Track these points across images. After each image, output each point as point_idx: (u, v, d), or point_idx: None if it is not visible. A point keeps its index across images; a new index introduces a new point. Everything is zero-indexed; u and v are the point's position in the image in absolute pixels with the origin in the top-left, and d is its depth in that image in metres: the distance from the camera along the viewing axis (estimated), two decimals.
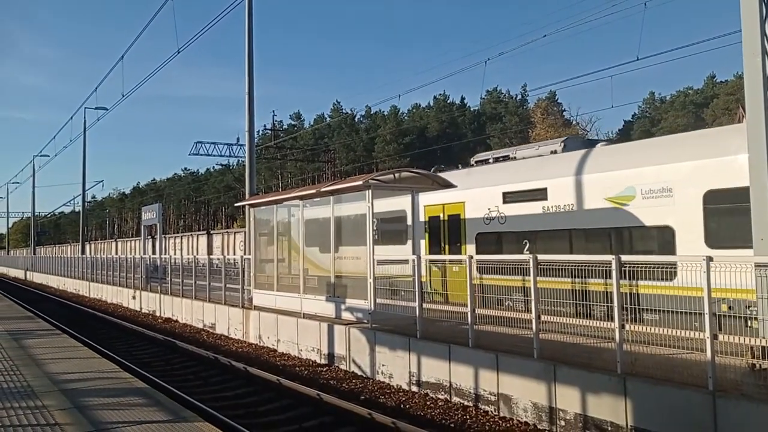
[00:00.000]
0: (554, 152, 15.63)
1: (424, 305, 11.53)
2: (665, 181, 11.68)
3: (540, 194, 14.04)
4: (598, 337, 9.32)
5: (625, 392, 7.76)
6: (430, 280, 14.51)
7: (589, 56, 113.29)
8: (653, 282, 8.11)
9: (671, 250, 11.30)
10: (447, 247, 16.00)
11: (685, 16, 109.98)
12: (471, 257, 10.54)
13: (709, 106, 65.18)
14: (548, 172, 14.43)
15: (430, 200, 13.62)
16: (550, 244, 13.79)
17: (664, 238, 11.84)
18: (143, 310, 25.93)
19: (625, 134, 69.24)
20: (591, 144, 16.47)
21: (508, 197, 14.30)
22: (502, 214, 13.95)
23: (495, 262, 11.06)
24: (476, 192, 15.25)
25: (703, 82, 74.65)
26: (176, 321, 22.20)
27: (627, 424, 7.71)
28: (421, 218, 14.16)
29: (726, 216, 10.89)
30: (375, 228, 12.94)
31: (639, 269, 8.37)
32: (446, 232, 14.99)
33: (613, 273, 8.14)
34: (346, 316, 13.69)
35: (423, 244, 15.72)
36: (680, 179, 11.53)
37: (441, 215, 14.33)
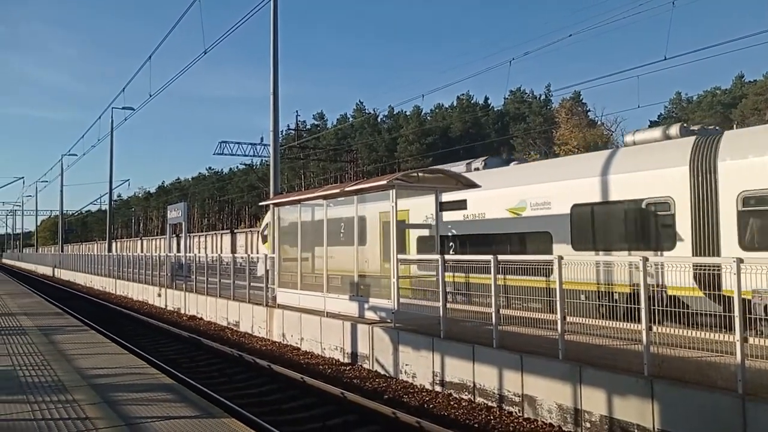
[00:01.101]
0: (477, 169, 18.07)
1: (448, 305, 11.52)
2: (546, 196, 14.50)
3: (462, 204, 15.98)
4: (622, 339, 9.26)
5: (652, 394, 7.68)
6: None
7: (615, 56, 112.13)
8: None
9: (549, 251, 13.64)
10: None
11: (713, 14, 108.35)
12: (495, 257, 10.50)
13: (737, 106, 64.02)
14: None
15: (384, 208, 14.59)
16: (468, 245, 15.93)
17: (544, 242, 14.32)
18: (168, 308, 26.24)
19: None
20: (507, 163, 19.22)
21: (441, 206, 15.47)
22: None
23: (518, 263, 11.04)
24: (416, 201, 16.32)
25: (732, 82, 73.38)
26: (201, 318, 22.44)
27: (654, 427, 7.63)
28: (377, 224, 15.57)
29: (585, 224, 13.79)
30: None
31: None
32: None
33: (640, 274, 8.06)
34: (370, 315, 13.73)
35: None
36: (556, 195, 14.36)
37: (365, 222, 15.49)
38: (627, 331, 9.00)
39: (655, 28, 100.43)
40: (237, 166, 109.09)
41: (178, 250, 33.38)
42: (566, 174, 14.72)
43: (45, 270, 65.85)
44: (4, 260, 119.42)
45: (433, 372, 11.17)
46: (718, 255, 11.38)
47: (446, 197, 15.39)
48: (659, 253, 12.43)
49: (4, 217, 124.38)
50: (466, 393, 10.42)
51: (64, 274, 53.91)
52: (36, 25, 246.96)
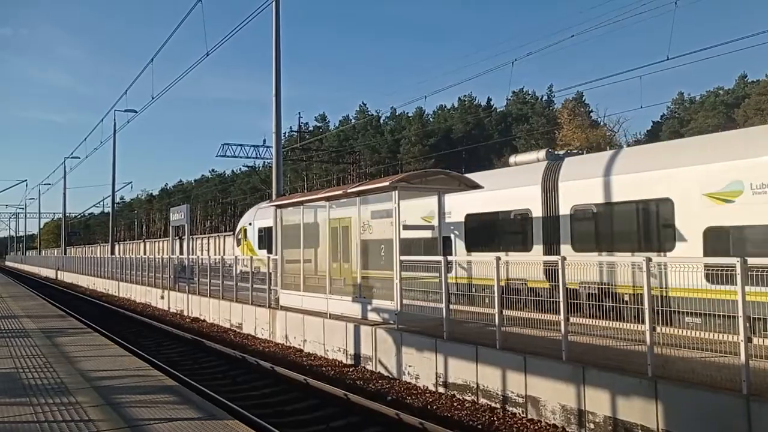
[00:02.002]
0: None
1: (451, 306, 11.50)
2: (449, 207, 16.47)
3: (387, 213, 16.32)
4: (626, 339, 9.25)
5: (656, 395, 7.65)
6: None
7: (617, 56, 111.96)
8: None
9: (450, 252, 15.88)
10: (342, 253, 16.85)
11: (716, 14, 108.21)
12: (498, 258, 10.49)
13: (740, 106, 63.92)
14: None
15: (336, 215, 16.09)
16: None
17: (447, 244, 16.09)
18: (171, 310, 26.25)
19: (654, 135, 68.32)
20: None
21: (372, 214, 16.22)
22: (370, 227, 15.92)
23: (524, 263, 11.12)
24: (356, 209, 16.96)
25: (735, 82, 73.30)
26: (204, 320, 22.44)
27: (658, 428, 7.60)
28: (326, 230, 16.27)
29: (477, 229, 16.68)
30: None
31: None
32: (341, 241, 16.86)
33: (644, 275, 8.05)
34: (372, 316, 13.72)
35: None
36: (455, 205, 16.94)
37: (338, 227, 16.39)
38: (629, 332, 9.01)
39: (657, 28, 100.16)
40: (239, 168, 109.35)
41: (181, 253, 33.40)
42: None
43: (48, 272, 65.92)
44: (7, 263, 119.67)
45: (437, 373, 11.16)
46: (559, 254, 13.22)
47: (373, 207, 15.79)
48: (526, 253, 15.73)
49: (8, 220, 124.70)
50: (470, 394, 10.40)
51: (67, 277, 53.97)
52: (40, 28, 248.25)
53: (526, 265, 12.59)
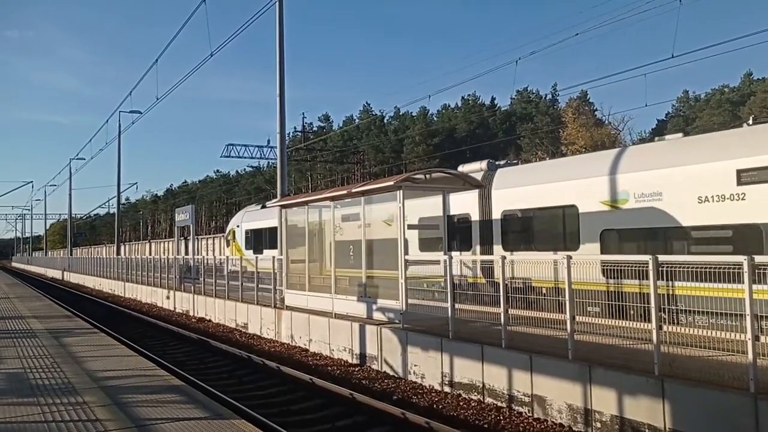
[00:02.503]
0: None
1: (456, 305, 11.50)
2: (410, 210, 15.81)
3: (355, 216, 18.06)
4: (632, 338, 9.24)
5: (663, 394, 7.63)
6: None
7: (622, 54, 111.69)
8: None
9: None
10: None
11: (721, 11, 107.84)
12: (503, 258, 10.48)
13: (745, 104, 63.74)
14: None
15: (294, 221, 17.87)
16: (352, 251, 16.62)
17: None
18: (177, 310, 26.31)
19: (659, 133, 67.95)
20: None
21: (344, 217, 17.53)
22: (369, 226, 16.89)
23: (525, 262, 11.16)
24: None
25: (740, 80, 73.10)
26: (209, 320, 22.48)
27: (665, 427, 7.59)
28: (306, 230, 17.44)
29: (425, 234, 17.05)
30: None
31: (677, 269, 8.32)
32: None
33: (651, 273, 8.03)
34: (378, 316, 13.72)
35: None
36: (414, 209, 16.29)
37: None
38: (636, 331, 9.00)
39: (662, 26, 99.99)
40: (244, 169, 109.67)
41: (186, 253, 33.47)
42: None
43: (54, 273, 66.17)
44: (13, 264, 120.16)
45: (442, 372, 11.16)
46: (492, 254, 15.86)
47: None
48: (470, 253, 17.18)
49: (14, 221, 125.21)
50: (476, 393, 10.39)
51: (74, 278, 54.16)
52: (45, 29, 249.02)
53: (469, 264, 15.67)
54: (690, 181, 12.24)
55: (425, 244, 17.41)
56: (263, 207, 33.57)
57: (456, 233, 17.40)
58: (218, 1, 29.12)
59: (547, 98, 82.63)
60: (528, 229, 16.02)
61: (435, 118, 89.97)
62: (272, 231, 28.30)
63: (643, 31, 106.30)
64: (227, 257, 25.74)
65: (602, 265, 10.11)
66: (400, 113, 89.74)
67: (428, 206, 14.96)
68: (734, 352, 7.43)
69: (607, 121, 63.88)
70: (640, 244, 13.21)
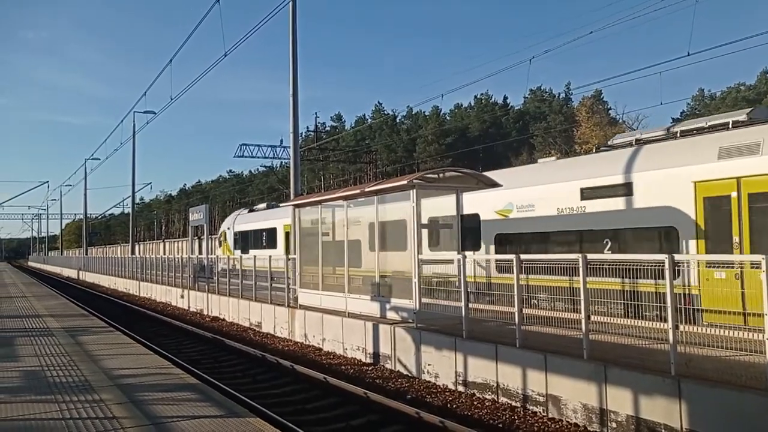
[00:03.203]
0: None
1: (470, 305, 11.48)
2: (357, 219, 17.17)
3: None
4: (648, 338, 9.17)
5: (679, 394, 7.57)
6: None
7: (637, 53, 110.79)
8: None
9: (359, 253, 16.30)
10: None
11: (737, 9, 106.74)
12: (518, 257, 10.44)
13: (762, 102, 63.06)
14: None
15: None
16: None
17: (358, 248, 16.36)
18: (191, 309, 26.47)
19: None
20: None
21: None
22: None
23: (539, 261, 11.07)
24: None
25: (756, 78, 72.30)
26: (223, 320, 22.60)
27: (682, 427, 7.53)
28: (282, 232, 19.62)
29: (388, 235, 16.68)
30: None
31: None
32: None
33: (666, 273, 7.98)
34: (391, 315, 13.73)
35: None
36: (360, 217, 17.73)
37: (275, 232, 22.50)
38: (651, 330, 8.94)
39: (677, 23, 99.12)
40: (257, 169, 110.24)
41: (200, 252, 33.66)
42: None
43: (70, 272, 66.73)
44: (30, 263, 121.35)
45: (456, 372, 11.14)
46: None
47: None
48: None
49: (30, 221, 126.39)
50: (490, 393, 10.37)
51: (89, 277, 54.61)
52: (60, 30, 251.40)
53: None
54: (552, 196, 15.32)
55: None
56: (251, 211, 36.69)
57: (390, 236, 17.28)
58: (232, 0, 29.21)
59: (561, 97, 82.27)
60: (448, 233, 16.63)
61: (448, 118, 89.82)
62: (257, 233, 32.61)
63: (658, 29, 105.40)
64: (217, 256, 28.23)
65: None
66: (413, 112, 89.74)
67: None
68: (752, 352, 7.37)
69: (621, 120, 63.45)
70: (520, 245, 15.83)
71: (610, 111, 67.75)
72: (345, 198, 15.81)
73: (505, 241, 16.61)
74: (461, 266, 11.56)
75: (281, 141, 49.43)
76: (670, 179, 12.73)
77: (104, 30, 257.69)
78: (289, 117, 19.80)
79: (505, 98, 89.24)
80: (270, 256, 22.05)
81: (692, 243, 12.25)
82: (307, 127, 73.48)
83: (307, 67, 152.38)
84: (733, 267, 10.19)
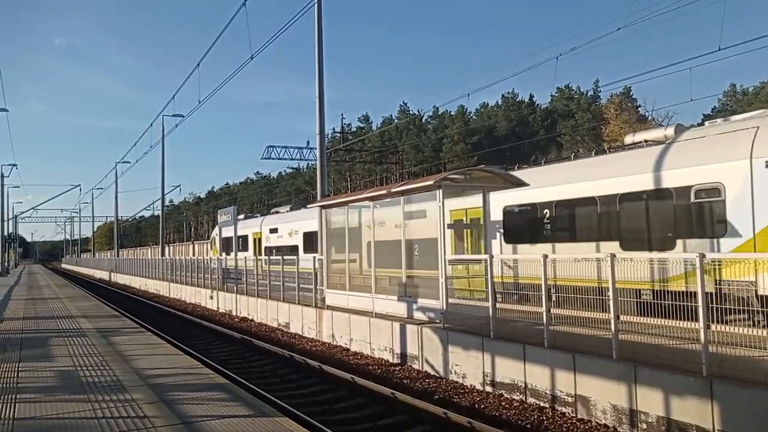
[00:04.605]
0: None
1: (498, 305, 11.42)
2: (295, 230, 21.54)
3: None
4: (679, 338, 9.02)
5: (711, 395, 7.45)
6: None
7: (666, 48, 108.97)
8: None
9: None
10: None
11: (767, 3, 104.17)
12: (546, 256, 10.35)
13: None
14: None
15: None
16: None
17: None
18: (220, 310, 26.76)
19: None
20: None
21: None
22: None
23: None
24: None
25: None
26: (252, 320, 22.81)
27: (714, 428, 7.40)
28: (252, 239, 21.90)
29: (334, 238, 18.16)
30: None
31: None
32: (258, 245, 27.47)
33: (698, 271, 7.85)
34: (418, 315, 13.72)
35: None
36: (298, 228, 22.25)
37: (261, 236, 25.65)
38: (682, 330, 8.79)
39: (708, 18, 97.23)
40: (284, 170, 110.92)
41: (228, 253, 33.98)
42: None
43: (102, 274, 67.83)
44: (63, 265, 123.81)
45: (484, 372, 11.09)
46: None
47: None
48: None
49: (63, 224, 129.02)
50: (518, 393, 10.31)
51: (120, 278, 55.51)
52: (92, 36, 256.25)
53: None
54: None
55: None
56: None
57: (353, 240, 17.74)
58: (258, 4, 29.45)
59: (589, 95, 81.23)
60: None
61: (474, 117, 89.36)
62: (242, 238, 37.37)
63: (688, 25, 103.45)
64: (209, 258, 33.04)
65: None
66: (439, 112, 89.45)
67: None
68: None
69: (650, 117, 62.48)
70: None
71: (639, 108, 66.78)
72: (371, 199, 15.84)
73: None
74: (488, 267, 11.48)
75: (308, 142, 49.82)
76: None
77: (134, 36, 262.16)
78: (316, 118, 19.92)
79: (532, 96, 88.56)
80: (314, 257, 22.18)
81: None
82: (334, 128, 73.56)
83: (333, 69, 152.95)
84: None
